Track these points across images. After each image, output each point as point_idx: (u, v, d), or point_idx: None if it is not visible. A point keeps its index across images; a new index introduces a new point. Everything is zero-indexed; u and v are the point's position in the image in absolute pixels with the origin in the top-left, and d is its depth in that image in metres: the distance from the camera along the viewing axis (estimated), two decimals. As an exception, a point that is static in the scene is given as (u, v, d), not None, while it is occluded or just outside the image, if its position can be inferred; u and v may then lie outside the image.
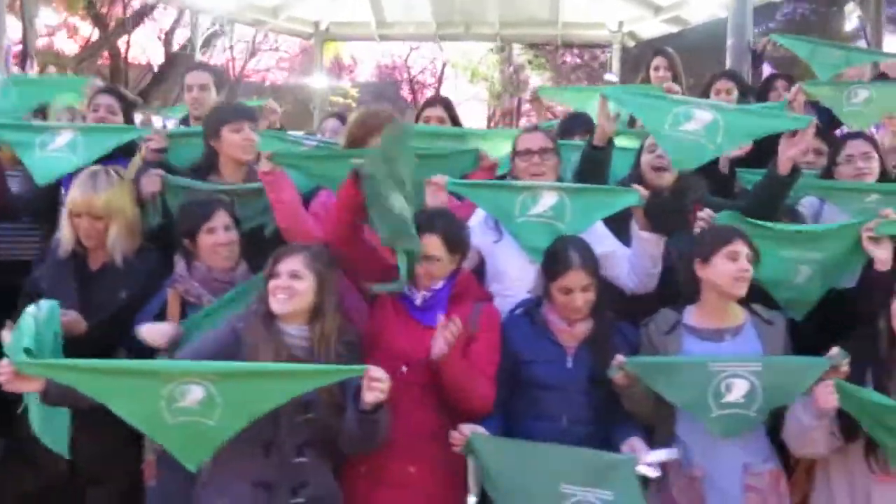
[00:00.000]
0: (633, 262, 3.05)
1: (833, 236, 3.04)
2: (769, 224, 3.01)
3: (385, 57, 20.30)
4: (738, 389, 2.58)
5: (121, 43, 14.87)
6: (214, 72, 4.19)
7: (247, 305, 2.64)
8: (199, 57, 14.16)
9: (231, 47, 17.68)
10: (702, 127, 3.05)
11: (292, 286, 2.54)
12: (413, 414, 2.63)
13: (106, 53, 13.44)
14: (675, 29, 10.58)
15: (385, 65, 21.94)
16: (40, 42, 16.04)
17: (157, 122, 5.03)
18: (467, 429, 2.54)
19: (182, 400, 2.23)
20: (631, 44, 11.17)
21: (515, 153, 3.23)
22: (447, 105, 3.98)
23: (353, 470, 2.67)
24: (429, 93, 22.08)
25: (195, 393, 2.24)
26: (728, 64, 5.08)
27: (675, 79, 4.75)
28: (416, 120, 4.00)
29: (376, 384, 2.32)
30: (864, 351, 2.68)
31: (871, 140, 3.55)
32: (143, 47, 15.35)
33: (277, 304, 2.52)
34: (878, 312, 2.70)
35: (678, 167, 3.17)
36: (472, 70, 17.03)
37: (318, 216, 3.18)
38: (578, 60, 16.81)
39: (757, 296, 2.87)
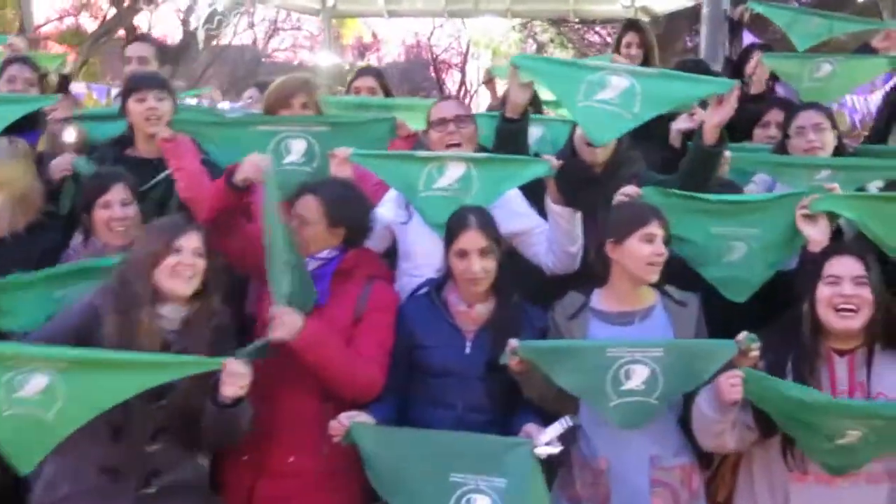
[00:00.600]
0: (549, 238, 2.86)
1: (771, 209, 2.82)
2: (699, 195, 2.81)
3: (410, 36, 20.12)
4: (638, 376, 2.40)
5: (142, 22, 14.97)
6: (157, 44, 4.08)
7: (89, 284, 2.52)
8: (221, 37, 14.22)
9: (253, 25, 17.69)
10: (617, 95, 2.82)
11: (196, 264, 2.42)
12: (292, 400, 2.50)
13: (122, 32, 13.48)
14: (690, 3, 10.18)
15: (411, 45, 21.76)
16: (67, 21, 16.25)
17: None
18: (346, 417, 2.40)
19: (21, 389, 2.11)
20: (646, 19, 10.80)
21: (430, 124, 3.05)
22: (378, 75, 3.82)
23: (236, 459, 2.55)
24: (454, 73, 21.84)
25: (37, 381, 2.11)
26: (703, 34, 4.81)
27: (648, 56, 4.50)
28: (347, 90, 3.86)
29: (234, 379, 2.19)
30: (787, 337, 2.47)
31: (825, 111, 3.30)
32: (164, 26, 15.43)
33: (181, 284, 2.40)
34: (803, 296, 2.48)
35: (595, 141, 2.95)
36: (494, 49, 16.74)
37: None
38: (600, 38, 16.38)
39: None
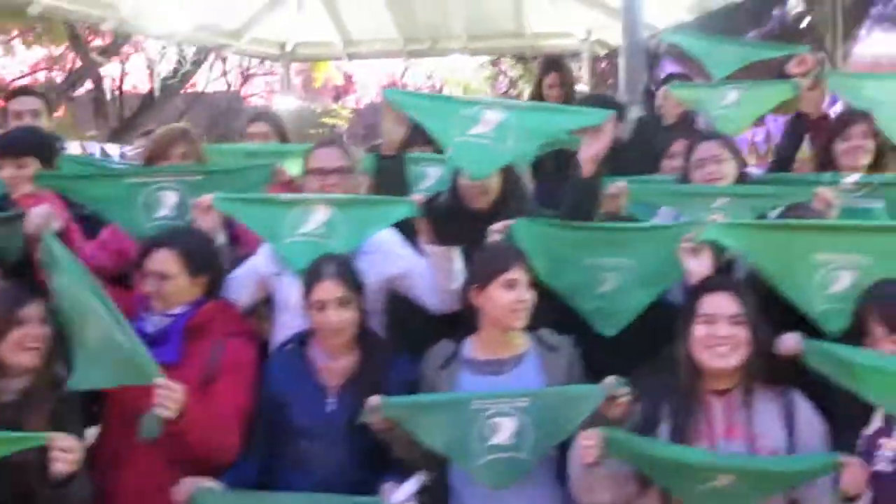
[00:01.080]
0: (429, 278, 2.74)
1: (647, 239, 2.72)
2: (570, 223, 2.73)
3: (384, 77, 20.18)
4: (505, 429, 2.27)
5: (114, 72, 14.98)
6: (43, 95, 3.98)
7: None
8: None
9: (226, 73, 17.74)
10: (491, 129, 2.74)
11: (42, 333, 2.32)
12: (139, 465, 2.36)
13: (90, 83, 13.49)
14: (644, 35, 10.17)
15: (385, 85, 21.81)
16: (40, 76, 16.28)
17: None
18: (190, 483, 2.25)
19: None
20: (601, 52, 10.82)
21: (308, 171, 2.94)
22: (272, 120, 3.73)
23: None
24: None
25: None
26: (621, 65, 4.73)
27: (568, 95, 4.43)
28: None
29: (63, 455, 2.06)
30: (663, 378, 2.35)
31: (725, 141, 3.21)
32: (134, 77, 15.46)
33: (28, 356, 2.29)
34: (678, 336, 2.35)
35: (473, 175, 2.85)
36: (465, 85, 16.75)
37: (107, 244, 2.95)
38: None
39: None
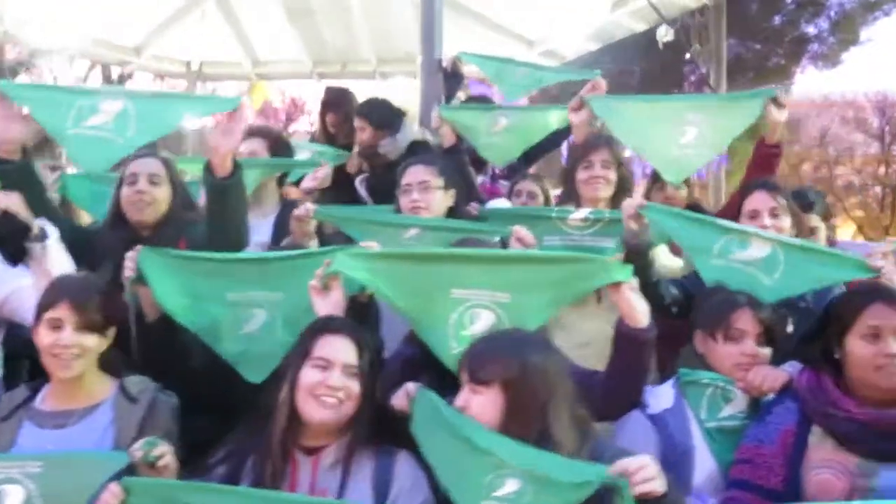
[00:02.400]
0: None
1: (297, 270, 2.36)
2: (202, 255, 2.41)
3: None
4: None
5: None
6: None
7: None
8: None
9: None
10: (111, 119, 2.52)
11: None
12: None
13: None
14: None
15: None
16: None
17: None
18: None
19: None
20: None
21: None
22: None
23: None
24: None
25: None
26: (419, 83, 4.44)
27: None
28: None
29: None
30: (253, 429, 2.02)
31: (437, 168, 2.89)
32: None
33: None
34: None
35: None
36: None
37: None
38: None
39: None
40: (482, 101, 4.26)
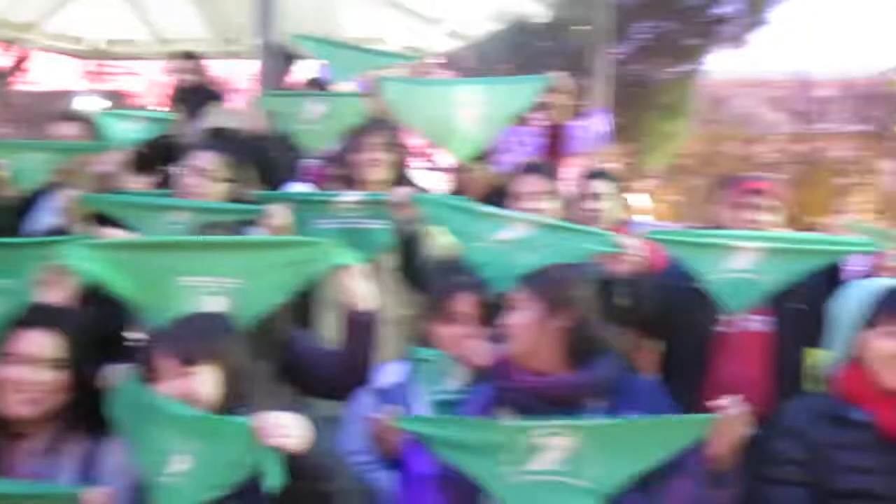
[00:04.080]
0: None
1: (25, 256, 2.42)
2: None
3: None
4: None
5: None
6: None
7: None
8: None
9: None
10: None
11: None
12: None
13: None
14: (461, 43, 10.08)
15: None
16: None
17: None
18: None
19: None
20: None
21: None
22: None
23: None
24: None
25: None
26: (260, 65, 4.50)
27: None
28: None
29: None
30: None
31: (221, 157, 2.98)
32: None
33: None
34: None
35: None
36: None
37: None
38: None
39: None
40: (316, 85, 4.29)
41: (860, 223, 2.80)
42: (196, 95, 3.95)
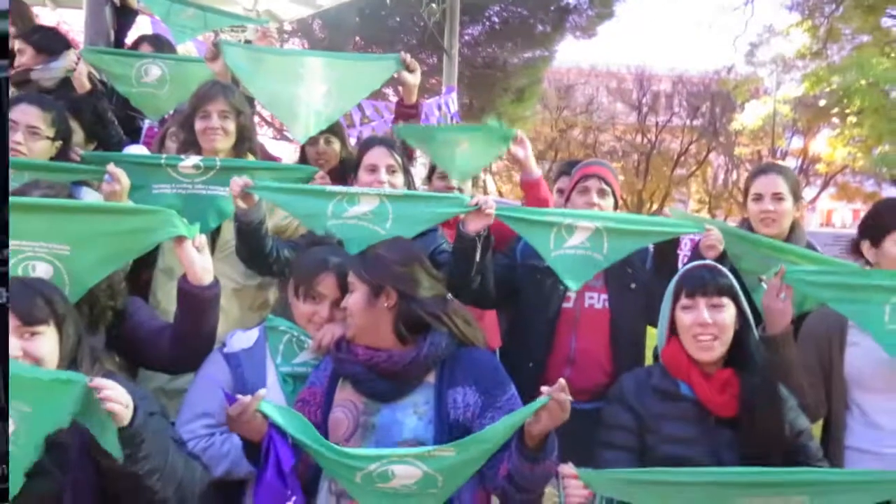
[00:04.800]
0: None
1: None
2: None
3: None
4: None
5: None
6: None
7: None
8: None
9: None
10: None
11: None
12: None
13: None
14: (311, 11, 9.88)
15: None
16: None
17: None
18: None
19: None
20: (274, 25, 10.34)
21: None
22: None
23: None
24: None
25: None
26: (85, 18, 4.24)
27: None
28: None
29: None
30: None
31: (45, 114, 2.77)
32: None
33: None
34: None
35: None
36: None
37: None
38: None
39: None
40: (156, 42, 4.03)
41: (682, 212, 2.99)
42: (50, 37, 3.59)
